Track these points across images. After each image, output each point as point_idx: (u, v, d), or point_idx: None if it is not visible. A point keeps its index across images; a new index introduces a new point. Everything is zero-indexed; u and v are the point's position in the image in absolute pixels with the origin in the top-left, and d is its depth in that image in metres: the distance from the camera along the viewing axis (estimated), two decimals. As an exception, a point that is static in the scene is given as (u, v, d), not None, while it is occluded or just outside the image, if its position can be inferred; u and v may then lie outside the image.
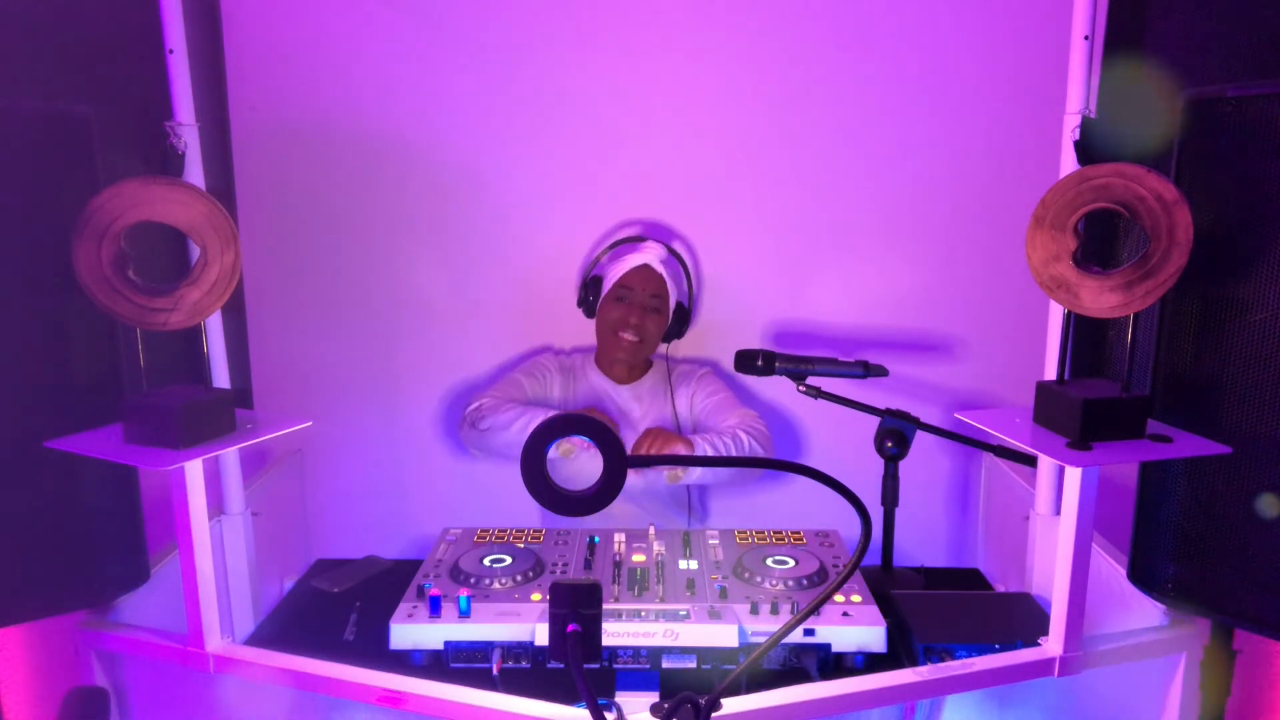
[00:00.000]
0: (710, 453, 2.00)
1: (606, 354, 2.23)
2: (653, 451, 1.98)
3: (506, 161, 2.26)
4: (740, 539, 1.81)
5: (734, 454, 2.01)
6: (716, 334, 2.36)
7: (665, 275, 2.16)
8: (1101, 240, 1.60)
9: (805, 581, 1.60)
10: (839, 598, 1.54)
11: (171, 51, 1.61)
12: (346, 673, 1.30)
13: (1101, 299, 1.22)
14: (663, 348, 2.25)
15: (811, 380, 1.91)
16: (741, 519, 2.38)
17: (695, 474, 2.03)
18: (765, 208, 2.30)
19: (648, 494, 2.16)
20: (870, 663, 1.47)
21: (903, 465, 1.86)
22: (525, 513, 2.34)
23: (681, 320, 2.23)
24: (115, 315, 1.23)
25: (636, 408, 2.22)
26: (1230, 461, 1.25)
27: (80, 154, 1.30)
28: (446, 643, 1.47)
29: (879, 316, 2.34)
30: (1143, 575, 1.40)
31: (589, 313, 2.22)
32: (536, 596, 1.54)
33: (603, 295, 2.17)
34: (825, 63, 2.21)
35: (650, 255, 2.16)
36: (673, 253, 2.21)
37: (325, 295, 2.31)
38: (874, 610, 1.52)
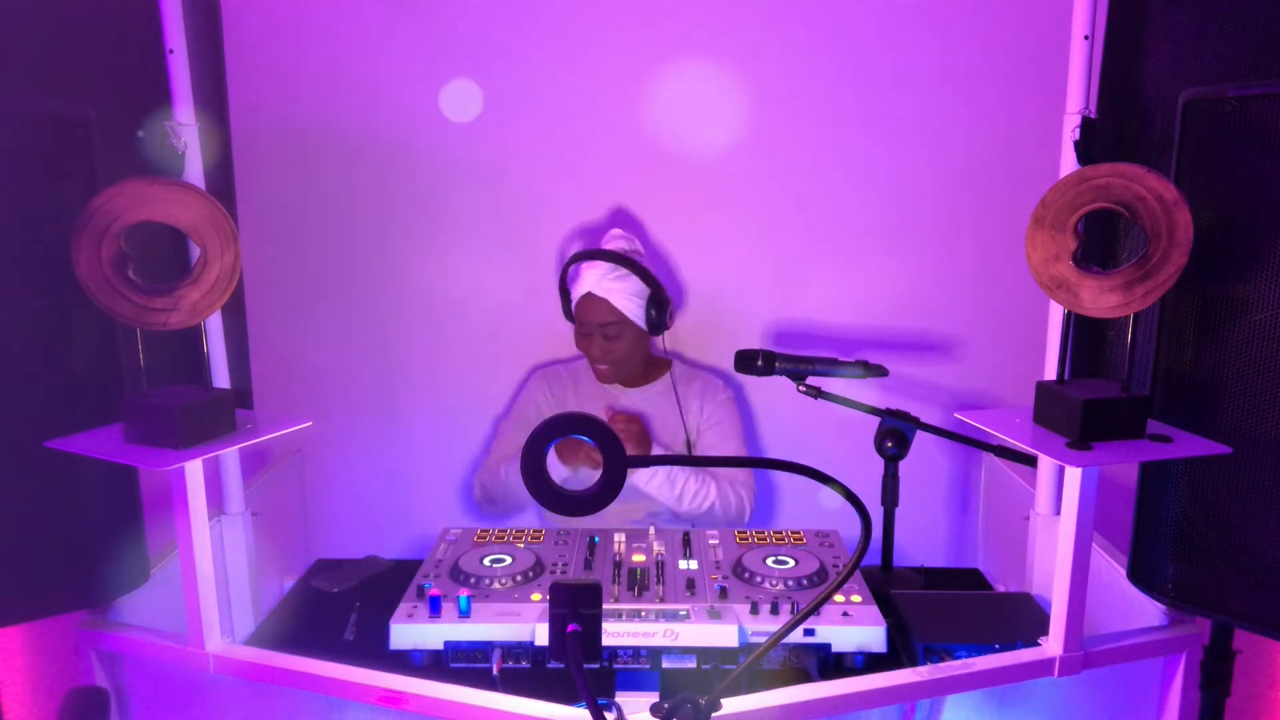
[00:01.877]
0: (667, 485, 2.03)
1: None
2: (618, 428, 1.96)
3: (506, 160, 2.26)
4: (740, 539, 1.81)
5: (693, 492, 2.04)
6: (717, 334, 2.36)
7: (608, 294, 2.04)
8: (1101, 240, 1.60)
9: (805, 581, 1.60)
10: (839, 598, 1.54)
11: (171, 51, 1.61)
12: (346, 673, 1.30)
13: (1101, 299, 1.22)
14: (660, 342, 2.21)
15: (811, 380, 1.91)
16: (741, 519, 2.38)
17: (656, 480, 2.05)
18: (765, 207, 2.30)
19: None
20: (870, 663, 1.47)
21: (903, 465, 1.86)
22: (524, 514, 2.34)
23: (661, 307, 2.07)
24: (115, 315, 1.23)
25: (645, 411, 2.20)
26: (1230, 461, 1.25)
27: (80, 154, 1.30)
28: (446, 643, 1.47)
29: (879, 316, 2.34)
30: (1143, 575, 1.40)
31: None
32: (536, 596, 1.54)
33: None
34: (826, 62, 2.21)
35: (590, 280, 2.05)
36: (616, 258, 2.05)
37: (325, 295, 2.32)
38: (874, 610, 1.52)
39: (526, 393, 2.27)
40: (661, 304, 2.09)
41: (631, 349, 2.14)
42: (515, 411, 2.27)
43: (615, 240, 2.13)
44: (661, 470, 2.03)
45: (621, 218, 2.32)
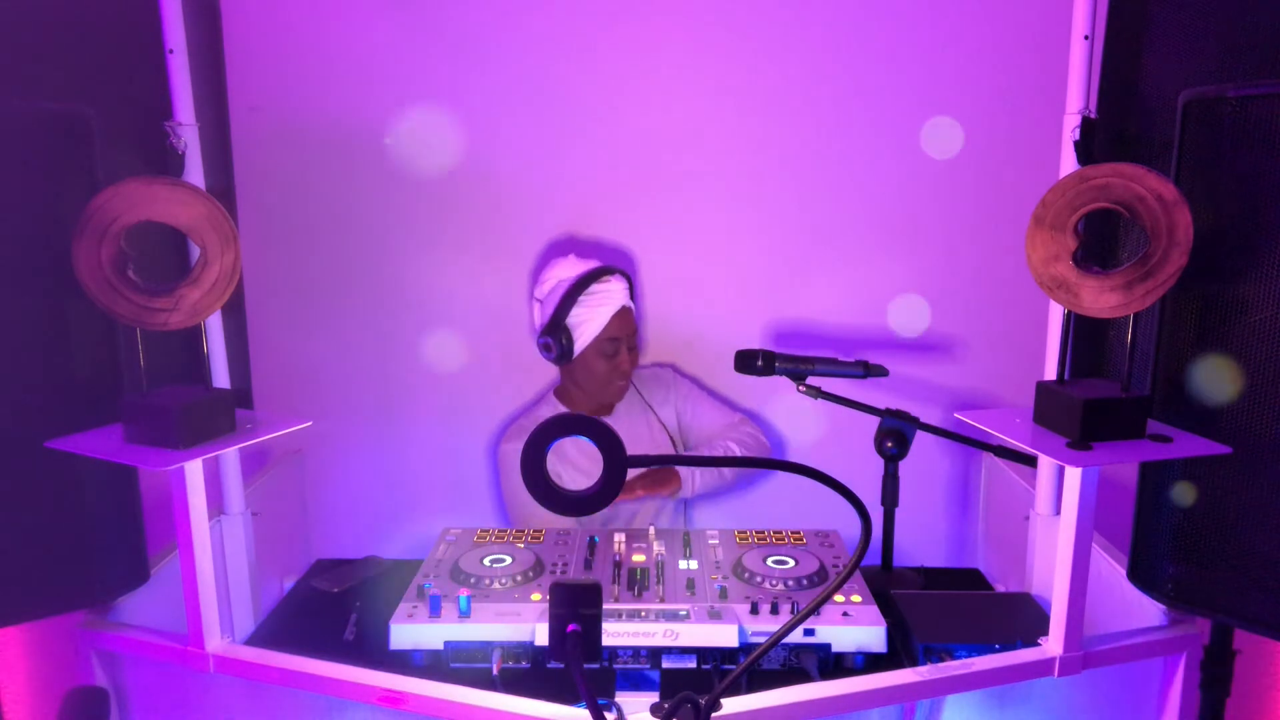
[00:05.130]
0: (699, 480, 2.11)
1: (595, 399, 2.19)
2: (643, 489, 2.08)
3: (506, 160, 2.26)
4: (740, 539, 1.81)
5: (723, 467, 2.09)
6: (716, 334, 2.36)
7: (632, 305, 2.15)
8: (1101, 240, 1.60)
9: (805, 581, 1.60)
10: (839, 598, 1.54)
11: (171, 51, 1.61)
12: (346, 673, 1.30)
13: (1101, 299, 1.22)
14: None
15: (811, 380, 1.91)
16: (742, 519, 2.39)
17: (696, 487, 2.12)
18: (766, 208, 2.30)
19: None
20: (870, 663, 1.47)
21: (903, 465, 1.86)
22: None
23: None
24: (115, 315, 1.23)
25: (620, 428, 2.20)
26: (1230, 461, 1.25)
27: (80, 154, 1.30)
28: (446, 643, 1.47)
29: (879, 316, 2.34)
30: (1143, 575, 1.40)
31: (565, 362, 2.11)
32: (536, 596, 1.54)
33: (582, 346, 2.07)
34: (825, 62, 2.21)
35: (620, 294, 2.08)
36: (620, 272, 2.12)
37: (325, 295, 2.31)
38: (874, 610, 1.52)
39: (513, 466, 2.13)
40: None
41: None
42: (511, 487, 2.17)
43: (579, 265, 2.10)
44: (696, 473, 2.13)
45: (624, 216, 2.32)
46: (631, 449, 2.17)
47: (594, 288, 2.07)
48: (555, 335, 2.06)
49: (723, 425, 2.21)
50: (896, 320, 2.34)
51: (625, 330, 2.11)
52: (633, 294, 2.17)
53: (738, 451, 2.13)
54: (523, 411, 2.32)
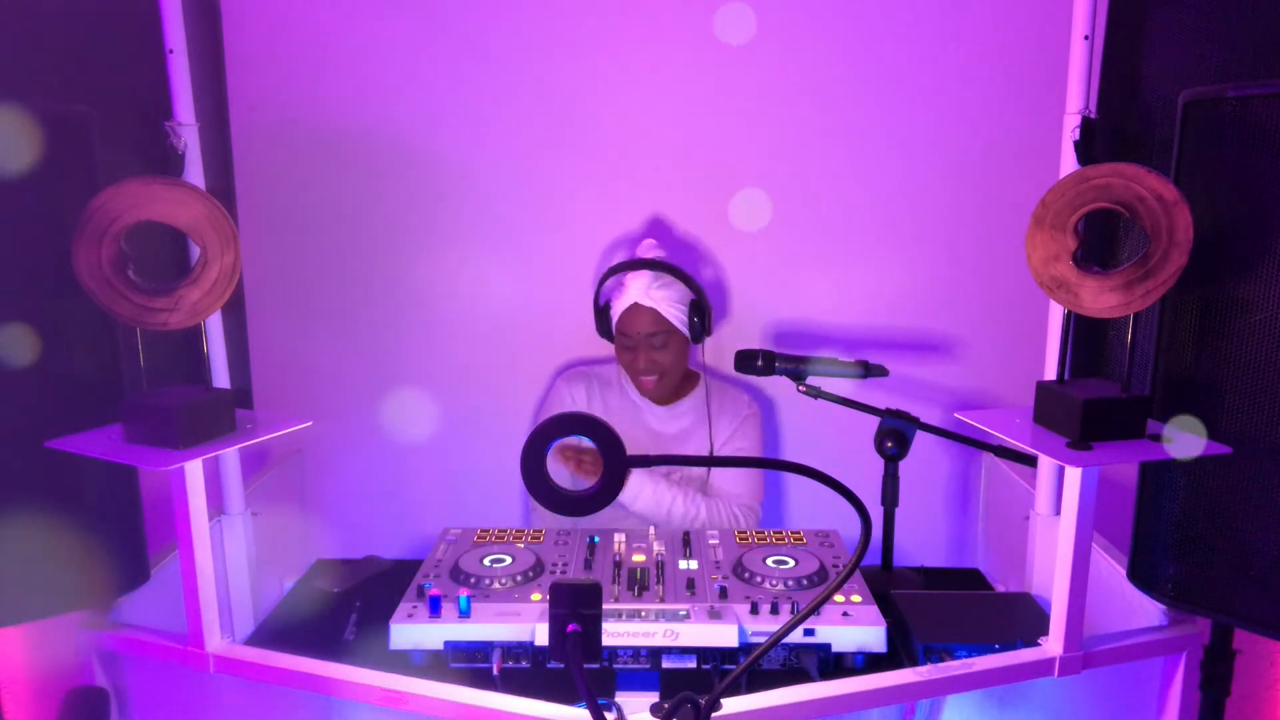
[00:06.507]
0: (646, 495, 2.03)
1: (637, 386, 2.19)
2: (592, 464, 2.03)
3: (507, 161, 2.26)
4: (740, 539, 1.81)
5: (680, 512, 2.04)
6: (717, 334, 2.36)
7: (656, 303, 2.03)
8: (1101, 240, 1.60)
9: (805, 581, 1.60)
10: (839, 598, 1.54)
11: (171, 51, 1.61)
12: (346, 673, 1.30)
13: (1101, 299, 1.22)
14: (700, 352, 2.17)
15: (811, 380, 1.91)
16: (741, 519, 2.38)
17: (640, 500, 2.04)
18: (765, 208, 2.30)
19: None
20: (870, 663, 1.47)
21: (903, 465, 1.86)
22: (522, 514, 2.34)
23: (702, 314, 2.07)
24: (115, 315, 1.23)
25: (672, 429, 2.18)
26: (1230, 461, 1.25)
27: (80, 154, 1.30)
28: (446, 643, 1.47)
29: (879, 316, 2.34)
30: (1143, 575, 1.40)
31: (612, 340, 2.16)
32: (536, 596, 1.54)
33: (613, 330, 2.12)
34: (825, 63, 2.21)
35: (635, 290, 2.04)
36: (661, 266, 2.06)
37: (325, 295, 2.31)
38: (874, 610, 1.52)
39: (559, 397, 2.20)
40: (704, 310, 2.08)
41: (677, 358, 2.11)
42: (544, 415, 2.23)
43: (650, 250, 2.12)
44: (647, 488, 2.03)
45: (625, 217, 2.31)
46: (681, 439, 2.13)
47: (621, 277, 2.09)
48: (599, 315, 2.15)
49: (734, 490, 2.13)
50: (897, 320, 2.34)
51: (635, 328, 2.05)
52: (699, 296, 2.07)
53: (704, 521, 2.05)
54: (593, 360, 2.32)
